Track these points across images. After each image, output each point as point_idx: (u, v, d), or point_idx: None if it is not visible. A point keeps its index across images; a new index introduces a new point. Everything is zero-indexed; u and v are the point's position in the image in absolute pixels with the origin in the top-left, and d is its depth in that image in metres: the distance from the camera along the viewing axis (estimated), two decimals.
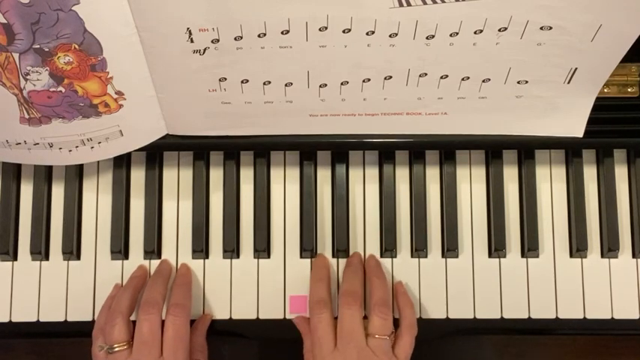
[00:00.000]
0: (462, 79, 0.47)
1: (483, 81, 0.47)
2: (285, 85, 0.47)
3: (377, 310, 0.51)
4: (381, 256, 0.57)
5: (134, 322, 0.52)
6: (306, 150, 0.57)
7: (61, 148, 0.50)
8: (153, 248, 0.56)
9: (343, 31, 0.42)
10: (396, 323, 0.53)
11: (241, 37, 0.42)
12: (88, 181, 0.58)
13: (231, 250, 0.56)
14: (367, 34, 0.42)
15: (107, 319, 0.51)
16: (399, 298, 0.55)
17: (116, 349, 0.49)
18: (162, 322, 0.51)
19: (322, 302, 0.52)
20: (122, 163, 0.57)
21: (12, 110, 0.46)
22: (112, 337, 0.50)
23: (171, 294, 0.54)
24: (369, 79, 0.46)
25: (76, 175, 0.57)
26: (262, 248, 0.56)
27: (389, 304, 0.52)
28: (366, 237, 0.57)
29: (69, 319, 0.56)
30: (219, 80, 0.46)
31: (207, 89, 0.47)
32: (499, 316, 0.56)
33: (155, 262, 0.57)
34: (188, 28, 0.41)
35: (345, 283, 0.53)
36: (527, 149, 0.57)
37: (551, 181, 0.58)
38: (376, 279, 0.54)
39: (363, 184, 0.58)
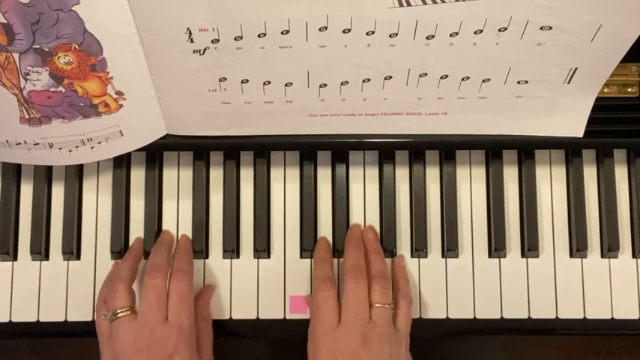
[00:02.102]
0: (462, 79, 0.47)
1: (483, 81, 0.47)
2: (285, 85, 0.47)
3: (376, 281, 0.52)
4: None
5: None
6: (306, 150, 0.57)
7: (61, 148, 0.50)
8: None
9: (343, 31, 0.42)
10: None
11: (241, 37, 0.42)
12: (88, 181, 0.58)
13: (231, 250, 0.56)
14: (367, 34, 0.42)
15: (109, 287, 0.52)
16: (395, 270, 0.55)
17: (119, 315, 0.49)
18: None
19: (329, 279, 0.52)
20: (122, 163, 0.57)
21: (12, 110, 0.46)
22: (114, 303, 0.50)
23: (174, 261, 0.54)
24: (369, 79, 0.46)
25: (76, 175, 0.57)
26: (262, 248, 0.56)
27: (387, 277, 0.53)
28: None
29: (69, 319, 0.56)
30: (219, 80, 0.46)
31: (207, 89, 0.47)
32: (499, 316, 0.56)
33: None
34: (188, 28, 0.41)
35: (349, 257, 0.53)
36: (527, 149, 0.57)
37: (551, 181, 0.58)
38: (374, 254, 0.54)
39: (363, 184, 0.58)
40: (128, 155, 0.57)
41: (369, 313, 0.50)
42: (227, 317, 0.56)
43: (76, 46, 0.42)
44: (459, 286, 0.56)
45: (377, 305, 0.51)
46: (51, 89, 0.45)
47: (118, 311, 0.50)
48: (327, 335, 0.49)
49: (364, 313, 0.50)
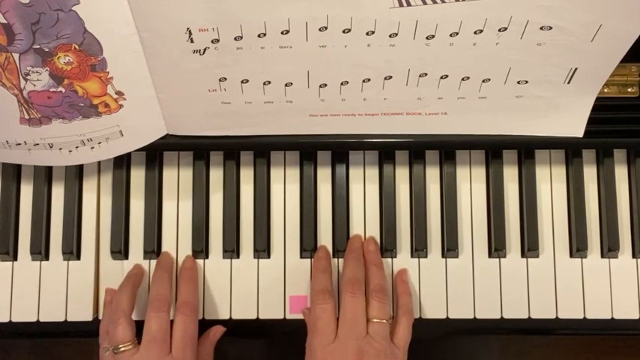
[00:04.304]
0: (462, 79, 0.47)
1: (483, 81, 0.47)
2: (285, 85, 0.47)
3: (374, 295, 0.52)
4: (381, 256, 0.57)
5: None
6: (306, 150, 0.57)
7: (61, 149, 0.50)
8: (153, 248, 0.56)
9: (343, 31, 0.42)
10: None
11: (241, 37, 0.42)
12: (88, 181, 0.58)
13: (231, 250, 0.56)
14: (367, 34, 0.42)
15: (110, 319, 0.51)
16: (398, 285, 0.55)
17: (122, 349, 0.49)
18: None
19: (327, 292, 0.52)
20: (122, 164, 0.57)
21: (12, 111, 0.46)
22: (116, 337, 0.50)
23: (179, 290, 0.54)
24: (369, 79, 0.46)
25: (76, 175, 0.57)
26: (262, 248, 0.56)
27: (386, 291, 0.53)
28: (366, 237, 0.57)
29: (69, 319, 0.56)
30: (219, 80, 0.46)
31: (207, 89, 0.47)
32: (499, 316, 0.56)
33: (155, 262, 0.57)
34: (188, 28, 0.41)
35: (348, 270, 0.53)
36: (527, 149, 0.57)
37: (551, 181, 0.58)
38: (374, 267, 0.54)
39: (363, 184, 0.58)
40: (128, 155, 0.57)
41: (366, 328, 0.50)
42: (227, 317, 0.56)
43: (76, 46, 0.42)
44: (459, 286, 0.56)
45: (374, 320, 0.51)
46: (51, 89, 0.45)
47: (121, 346, 0.50)
48: (324, 349, 0.49)
49: (361, 328, 0.50)
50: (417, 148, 0.57)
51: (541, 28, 0.41)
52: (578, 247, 0.56)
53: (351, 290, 0.51)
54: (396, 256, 0.57)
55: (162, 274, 0.54)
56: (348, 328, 0.50)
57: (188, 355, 0.50)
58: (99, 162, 0.58)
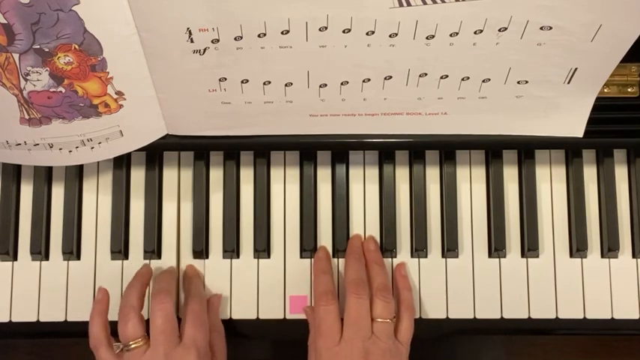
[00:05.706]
0: (462, 79, 0.47)
1: (483, 81, 0.47)
2: (285, 85, 0.47)
3: (379, 295, 0.51)
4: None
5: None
6: (306, 150, 0.57)
7: (61, 149, 0.50)
8: (153, 248, 0.56)
9: (343, 31, 0.42)
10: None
11: (241, 37, 0.42)
12: (88, 181, 0.58)
13: (231, 250, 0.56)
14: (367, 34, 0.42)
15: (119, 316, 0.50)
16: (397, 280, 0.55)
17: (132, 346, 0.48)
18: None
19: (330, 293, 0.52)
20: (122, 164, 0.57)
21: (12, 111, 0.46)
22: (126, 334, 0.49)
23: (184, 288, 0.55)
24: (369, 79, 0.46)
25: (76, 175, 0.57)
26: (262, 248, 0.56)
27: (389, 289, 0.53)
28: (365, 237, 0.57)
29: (69, 319, 0.56)
30: (219, 80, 0.46)
31: (207, 89, 0.47)
32: (499, 316, 0.56)
33: (155, 262, 0.57)
34: (188, 28, 0.41)
35: (350, 271, 0.53)
36: (527, 149, 0.57)
37: (551, 181, 0.58)
38: (376, 266, 0.54)
39: (363, 184, 0.58)
40: (128, 155, 0.57)
41: (371, 328, 0.50)
42: (227, 317, 0.56)
43: (76, 46, 0.42)
44: (459, 286, 0.56)
45: (379, 320, 0.51)
46: (51, 89, 0.45)
47: (131, 342, 0.49)
48: (330, 350, 0.50)
49: (366, 329, 0.50)
50: (417, 148, 0.57)
51: (541, 28, 0.41)
52: (578, 247, 0.56)
53: (356, 291, 0.51)
54: (396, 256, 0.57)
55: (164, 273, 0.55)
56: (354, 329, 0.50)
57: (200, 340, 0.50)
58: (99, 162, 0.58)
